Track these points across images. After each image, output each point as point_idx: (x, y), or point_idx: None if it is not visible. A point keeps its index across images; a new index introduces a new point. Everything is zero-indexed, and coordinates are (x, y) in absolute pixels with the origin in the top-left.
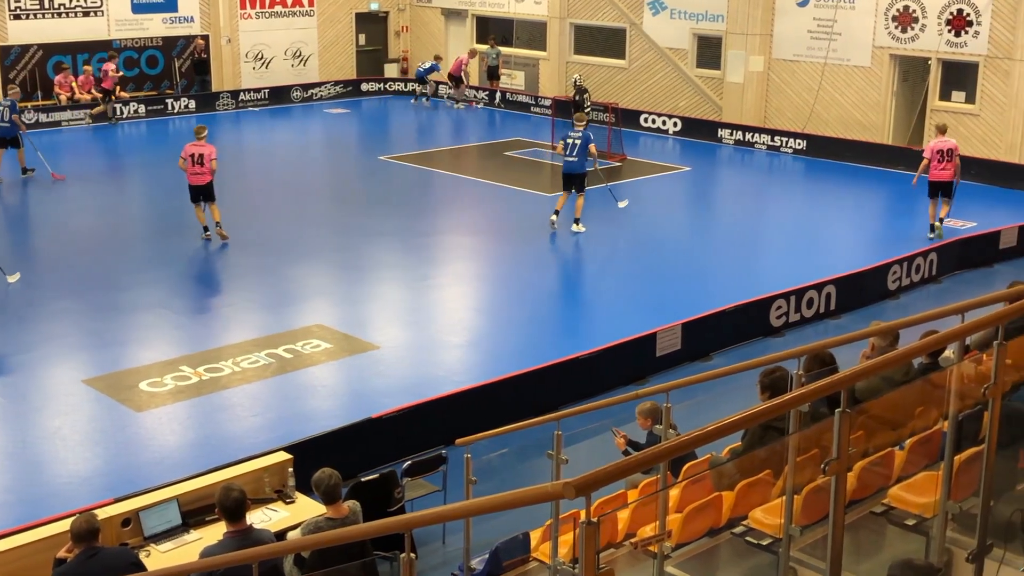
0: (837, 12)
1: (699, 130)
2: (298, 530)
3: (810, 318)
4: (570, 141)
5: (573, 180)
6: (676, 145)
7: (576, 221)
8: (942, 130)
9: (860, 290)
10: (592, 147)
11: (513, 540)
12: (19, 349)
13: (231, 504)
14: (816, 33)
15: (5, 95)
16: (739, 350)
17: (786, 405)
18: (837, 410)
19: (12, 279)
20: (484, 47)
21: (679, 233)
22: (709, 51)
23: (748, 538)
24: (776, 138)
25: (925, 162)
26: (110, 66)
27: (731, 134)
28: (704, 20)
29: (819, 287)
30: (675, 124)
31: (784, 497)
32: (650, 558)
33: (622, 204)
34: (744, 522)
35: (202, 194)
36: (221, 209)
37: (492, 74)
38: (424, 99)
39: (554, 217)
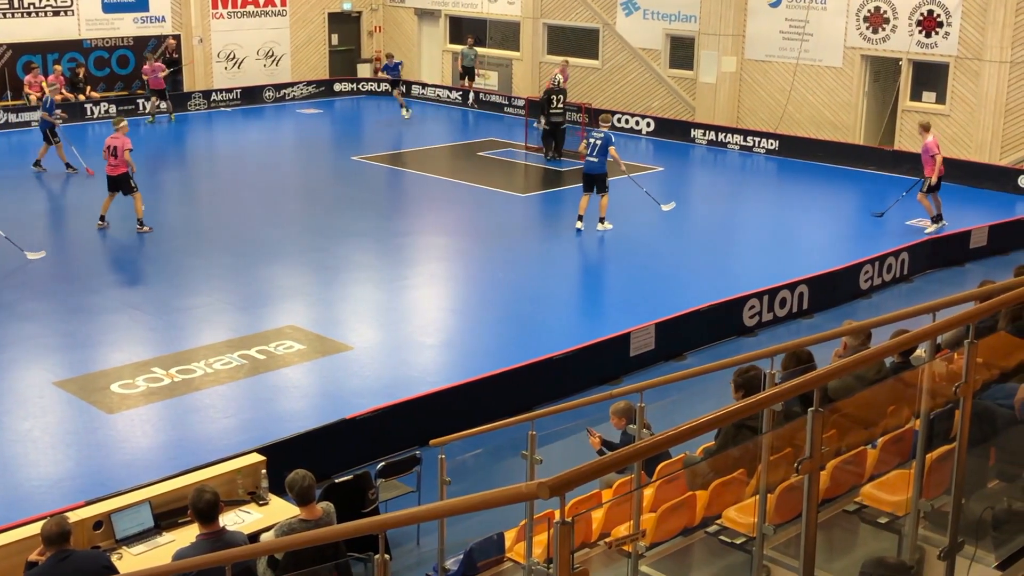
0: (809, 13)
1: (672, 130)
2: (272, 532)
3: (783, 317)
4: (592, 141)
5: (594, 180)
6: (649, 145)
7: (601, 220)
8: (927, 127)
9: (832, 289)
10: (612, 149)
11: (487, 540)
12: None
13: (204, 506)
14: (788, 34)
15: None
16: (713, 350)
17: (759, 404)
18: (810, 409)
19: (34, 256)
20: (460, 47)
21: (652, 233)
22: (682, 51)
23: (722, 537)
24: (749, 138)
25: (940, 157)
26: (159, 65)
27: (704, 134)
28: (677, 21)
29: (792, 287)
30: (648, 124)
31: (757, 496)
32: (624, 557)
33: (667, 207)
34: (718, 521)
35: (117, 185)
36: (197, 206)
37: (468, 74)
38: (405, 110)
39: (579, 224)
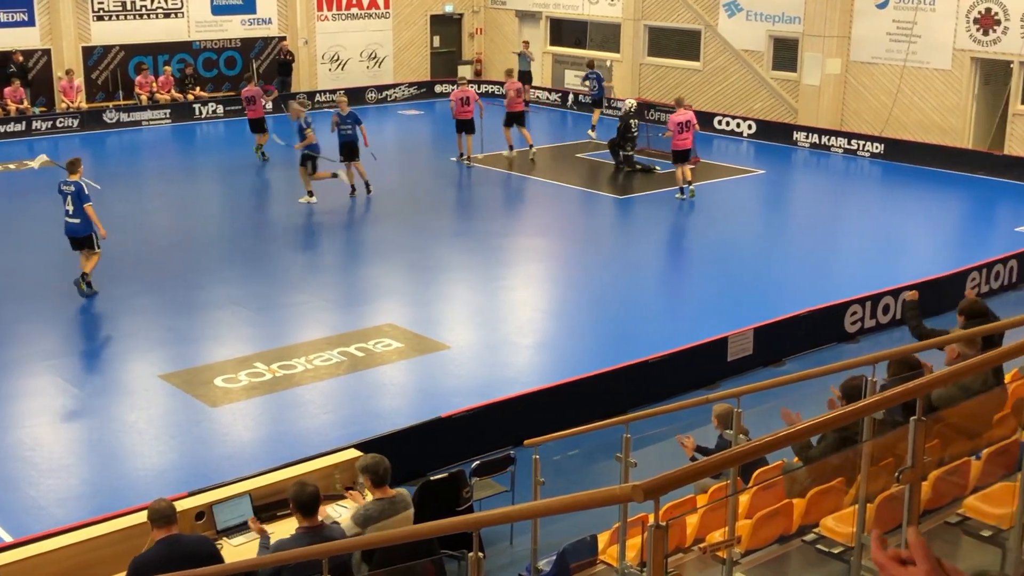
0: (917, 14)
1: (774, 133)
2: (349, 518)
3: (886, 324)
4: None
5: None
6: (750, 148)
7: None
8: (679, 103)
9: (938, 297)
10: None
11: (580, 542)
12: (98, 344)
13: (307, 498)
14: (895, 35)
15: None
16: (813, 356)
17: (859, 412)
18: (912, 418)
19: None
20: (559, 49)
21: (753, 237)
22: (785, 53)
23: (819, 546)
24: (853, 141)
25: (669, 133)
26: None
27: (807, 137)
28: (780, 22)
29: (896, 293)
30: (750, 127)
31: (857, 505)
32: (719, 564)
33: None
34: (815, 530)
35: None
36: (297, 205)
37: (524, 79)
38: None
39: None
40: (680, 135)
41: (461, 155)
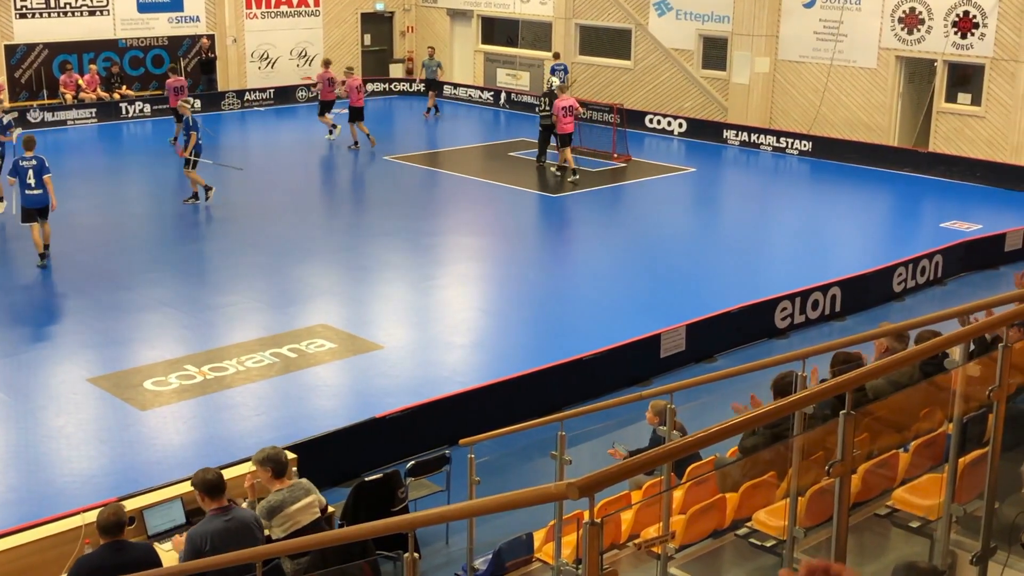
0: (843, 14)
1: (704, 131)
2: (260, 507)
3: (815, 320)
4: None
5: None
6: (681, 146)
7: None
8: (562, 90)
9: (865, 292)
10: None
11: (516, 540)
12: (24, 347)
13: (212, 481)
14: (822, 34)
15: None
16: (743, 351)
17: (790, 407)
18: (841, 412)
19: None
20: (491, 47)
21: (684, 234)
22: (715, 52)
23: (752, 540)
24: (782, 139)
25: (557, 118)
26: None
27: (736, 135)
28: (710, 21)
29: (824, 289)
30: (680, 125)
31: (788, 499)
32: (654, 559)
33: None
34: (748, 524)
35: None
36: (230, 205)
37: (431, 86)
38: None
39: None
40: (565, 119)
41: (356, 143)
